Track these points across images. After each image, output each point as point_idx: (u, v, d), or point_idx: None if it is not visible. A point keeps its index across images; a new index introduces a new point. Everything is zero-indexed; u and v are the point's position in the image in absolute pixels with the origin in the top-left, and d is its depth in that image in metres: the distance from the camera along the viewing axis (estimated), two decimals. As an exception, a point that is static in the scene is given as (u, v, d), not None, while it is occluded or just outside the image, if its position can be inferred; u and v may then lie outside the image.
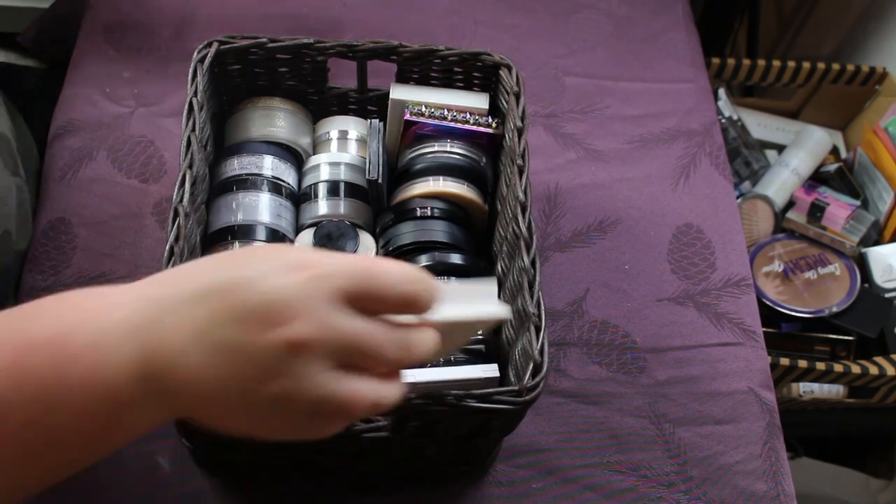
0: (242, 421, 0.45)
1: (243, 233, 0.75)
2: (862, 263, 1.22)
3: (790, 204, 1.29)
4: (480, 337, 0.72)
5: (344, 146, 0.83)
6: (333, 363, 0.43)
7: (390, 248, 0.76)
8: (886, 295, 1.19)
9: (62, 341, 0.42)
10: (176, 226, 0.64)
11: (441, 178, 0.77)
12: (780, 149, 1.38)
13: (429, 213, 0.76)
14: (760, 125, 1.42)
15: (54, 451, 0.42)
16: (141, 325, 0.42)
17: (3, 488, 0.42)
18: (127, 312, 0.43)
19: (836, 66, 1.34)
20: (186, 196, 0.66)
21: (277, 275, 0.43)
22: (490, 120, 0.78)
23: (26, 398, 0.41)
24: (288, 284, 0.42)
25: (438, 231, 0.75)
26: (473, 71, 0.80)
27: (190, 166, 0.67)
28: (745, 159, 1.32)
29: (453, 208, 0.77)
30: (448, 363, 0.70)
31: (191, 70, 0.74)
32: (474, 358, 0.72)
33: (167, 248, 0.63)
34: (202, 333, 0.42)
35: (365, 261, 0.45)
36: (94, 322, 0.43)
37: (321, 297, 0.43)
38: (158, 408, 0.44)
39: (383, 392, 0.45)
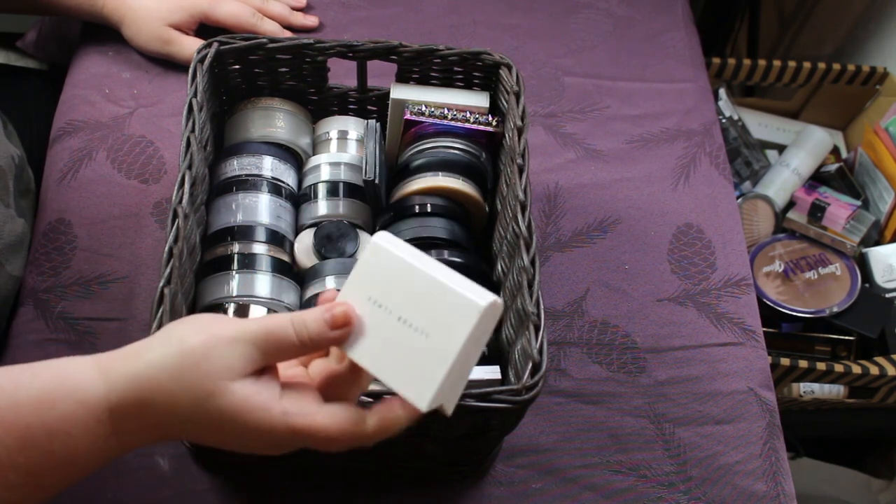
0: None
1: (242, 234, 0.75)
2: (862, 263, 1.22)
3: (791, 204, 1.29)
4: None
5: (344, 146, 0.83)
6: (266, 391, 0.50)
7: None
8: (887, 295, 1.19)
9: (72, 464, 0.50)
10: (175, 227, 0.64)
11: (440, 173, 0.77)
12: (781, 149, 1.38)
13: (427, 209, 0.76)
14: (761, 125, 1.42)
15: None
16: (135, 445, 0.52)
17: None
18: (122, 440, 0.51)
19: (836, 66, 1.34)
20: (186, 197, 0.66)
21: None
22: (490, 118, 0.78)
23: (45, 493, 0.51)
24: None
25: (438, 227, 0.75)
26: (473, 70, 0.80)
27: (189, 167, 0.67)
28: (746, 159, 1.32)
29: (452, 204, 0.77)
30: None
31: (191, 70, 0.74)
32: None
33: (166, 249, 0.63)
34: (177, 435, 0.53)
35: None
36: (97, 450, 0.50)
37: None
38: None
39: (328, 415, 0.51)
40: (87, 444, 0.50)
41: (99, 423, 0.50)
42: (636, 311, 0.86)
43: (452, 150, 0.78)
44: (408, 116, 0.78)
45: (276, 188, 0.78)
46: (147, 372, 0.50)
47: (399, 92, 0.80)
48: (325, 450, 0.51)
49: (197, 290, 0.73)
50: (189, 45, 0.94)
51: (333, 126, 0.84)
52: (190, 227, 0.67)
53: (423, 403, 0.49)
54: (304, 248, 0.78)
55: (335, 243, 0.76)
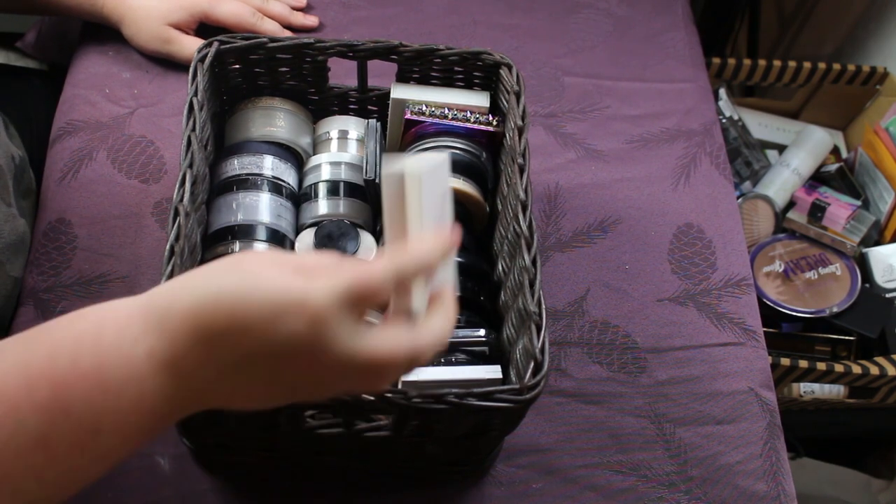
0: (295, 401, 0.48)
1: (243, 233, 0.75)
2: (862, 263, 1.22)
3: (791, 204, 1.29)
4: (483, 339, 0.72)
5: (344, 146, 0.83)
6: (353, 321, 0.45)
7: (391, 247, 0.76)
8: (887, 295, 1.19)
9: (99, 377, 0.44)
10: (176, 225, 0.64)
11: (441, 173, 0.77)
12: (781, 149, 1.38)
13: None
14: (761, 125, 1.42)
15: (98, 465, 0.45)
16: (168, 361, 0.45)
17: (46, 497, 0.45)
18: (152, 344, 0.45)
19: (836, 66, 1.34)
20: (187, 196, 0.65)
21: (267, 278, 0.44)
22: (490, 118, 0.78)
23: (74, 425, 0.43)
24: (277, 281, 0.44)
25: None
26: (474, 70, 0.80)
27: (190, 166, 0.67)
28: (746, 159, 1.32)
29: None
30: (450, 364, 0.70)
31: (191, 70, 0.74)
32: (477, 359, 0.72)
33: (167, 247, 0.63)
34: (222, 370, 0.45)
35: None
36: (123, 358, 0.45)
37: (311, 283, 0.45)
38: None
39: (417, 354, 0.48)
40: (117, 353, 0.44)
41: (129, 320, 0.45)
42: (636, 311, 0.86)
43: (453, 150, 0.78)
44: (408, 116, 0.78)
45: (276, 187, 0.78)
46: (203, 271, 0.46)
47: (399, 92, 0.79)
48: (387, 371, 0.48)
49: (197, 290, 0.73)
50: (189, 45, 0.94)
51: (334, 126, 0.84)
52: (191, 225, 0.67)
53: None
54: (304, 247, 0.78)
55: (336, 242, 0.76)
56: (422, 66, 0.79)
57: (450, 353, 0.71)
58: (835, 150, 1.36)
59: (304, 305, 0.43)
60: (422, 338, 0.48)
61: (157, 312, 0.45)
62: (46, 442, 0.43)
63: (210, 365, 0.45)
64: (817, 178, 1.31)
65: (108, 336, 0.45)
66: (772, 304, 1.18)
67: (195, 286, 0.45)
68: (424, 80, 0.81)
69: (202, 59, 0.74)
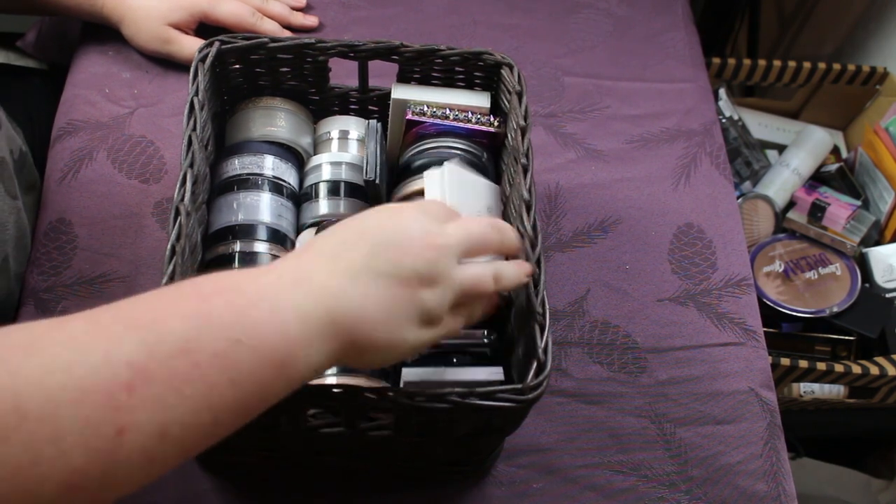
0: (406, 338, 0.53)
1: (244, 232, 0.75)
2: (863, 263, 1.22)
3: (791, 204, 1.29)
4: (485, 340, 0.72)
5: (345, 146, 0.83)
6: (458, 261, 0.55)
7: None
8: (887, 295, 1.19)
9: (235, 291, 0.49)
10: (177, 225, 0.64)
11: (442, 173, 0.77)
12: (781, 149, 1.38)
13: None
14: (761, 125, 1.42)
15: (233, 388, 0.46)
16: (299, 278, 0.51)
17: (180, 428, 0.46)
18: (281, 269, 0.51)
19: (836, 66, 1.34)
20: (188, 195, 0.65)
21: (391, 216, 0.55)
22: (492, 119, 0.78)
23: (215, 334, 0.46)
24: (405, 217, 0.55)
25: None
26: (475, 70, 0.80)
27: (191, 165, 0.67)
28: (746, 159, 1.32)
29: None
30: (452, 364, 0.70)
31: (192, 69, 0.74)
32: (479, 361, 0.72)
33: (168, 247, 0.63)
34: (353, 275, 0.51)
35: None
36: (257, 279, 0.50)
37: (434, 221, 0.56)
38: (327, 347, 0.50)
39: (499, 266, 0.59)
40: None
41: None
42: (637, 311, 0.86)
43: (454, 151, 0.78)
44: (409, 116, 0.78)
45: (277, 187, 0.78)
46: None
47: (400, 92, 0.79)
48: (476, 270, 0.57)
49: (198, 290, 0.73)
50: (189, 45, 0.94)
51: (335, 126, 0.84)
52: (191, 225, 0.67)
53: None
54: (305, 247, 0.78)
55: (336, 243, 0.76)
56: (423, 66, 0.79)
57: (451, 354, 0.71)
58: (835, 150, 1.36)
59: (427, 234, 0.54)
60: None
61: (287, 255, 0.54)
62: (189, 347, 0.45)
63: (336, 273, 0.51)
64: (817, 178, 1.31)
65: (246, 271, 0.51)
66: (772, 304, 1.18)
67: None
68: (425, 81, 0.81)
69: (203, 59, 0.74)
